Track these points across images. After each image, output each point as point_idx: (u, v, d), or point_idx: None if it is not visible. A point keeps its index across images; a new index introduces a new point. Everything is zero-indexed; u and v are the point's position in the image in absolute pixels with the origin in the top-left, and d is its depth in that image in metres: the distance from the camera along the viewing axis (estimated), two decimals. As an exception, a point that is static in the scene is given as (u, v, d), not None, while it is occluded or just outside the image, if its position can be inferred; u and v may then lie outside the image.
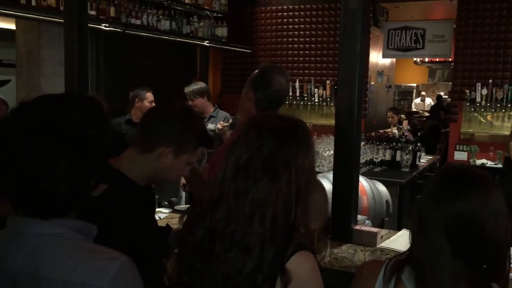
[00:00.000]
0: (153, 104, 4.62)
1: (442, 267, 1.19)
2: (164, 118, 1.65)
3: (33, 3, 4.58)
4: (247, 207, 1.25)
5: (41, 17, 4.72)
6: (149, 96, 4.70)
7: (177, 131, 1.62)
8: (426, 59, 11.67)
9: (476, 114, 6.53)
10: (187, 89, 4.45)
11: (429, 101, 12.44)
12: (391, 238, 2.55)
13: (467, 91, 6.47)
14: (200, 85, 4.54)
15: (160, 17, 5.94)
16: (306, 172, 1.30)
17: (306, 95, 7.48)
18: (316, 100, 7.45)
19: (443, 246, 1.19)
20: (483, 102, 6.40)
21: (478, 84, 6.41)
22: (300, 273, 1.24)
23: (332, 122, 7.44)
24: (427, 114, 11.05)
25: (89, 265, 1.03)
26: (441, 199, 1.23)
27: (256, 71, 2.40)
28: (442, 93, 12.18)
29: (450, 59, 8.11)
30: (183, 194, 3.81)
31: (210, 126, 4.26)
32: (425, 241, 1.23)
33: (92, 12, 4.94)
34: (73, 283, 1.01)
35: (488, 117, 6.47)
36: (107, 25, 5.21)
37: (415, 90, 13.85)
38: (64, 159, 1.02)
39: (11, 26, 5.82)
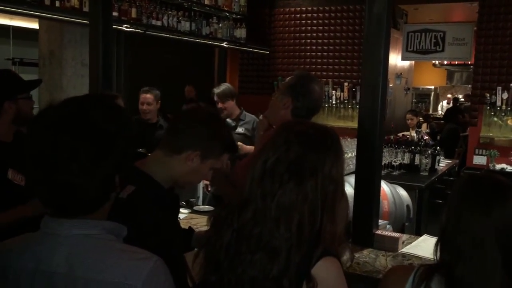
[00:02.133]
0: (145, 106, 4.52)
1: (490, 280, 1.19)
2: (193, 123, 1.67)
3: (57, 4, 4.64)
4: (273, 209, 1.27)
5: (64, 17, 4.79)
6: (141, 97, 4.54)
7: (204, 136, 1.64)
8: (445, 62, 11.56)
9: (496, 119, 6.45)
10: (217, 91, 4.29)
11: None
12: (413, 244, 2.54)
13: (488, 94, 6.40)
14: (229, 86, 4.40)
15: (180, 18, 5.98)
16: (334, 180, 1.31)
17: (324, 96, 7.46)
18: (334, 102, 7.43)
19: (497, 259, 1.19)
20: (504, 106, 6.32)
21: (499, 88, 6.33)
22: (326, 278, 1.25)
23: (349, 124, 7.41)
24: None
25: (122, 265, 1.05)
26: (492, 209, 1.23)
27: (292, 78, 2.47)
28: (460, 96, 12.05)
29: (470, 62, 8.03)
30: (201, 194, 3.84)
31: (240, 129, 4.21)
32: (480, 256, 1.22)
33: (114, 13, 5.00)
34: (107, 282, 1.03)
35: (509, 122, 6.38)
36: (129, 26, 5.26)
37: (433, 93, 13.73)
38: (84, 152, 1.04)
39: (34, 25, 5.92)
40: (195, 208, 3.35)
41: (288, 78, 2.51)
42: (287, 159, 1.29)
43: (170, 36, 5.95)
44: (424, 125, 7.50)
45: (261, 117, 2.68)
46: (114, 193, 1.14)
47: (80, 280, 1.05)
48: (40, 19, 5.21)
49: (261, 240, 1.27)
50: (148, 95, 4.57)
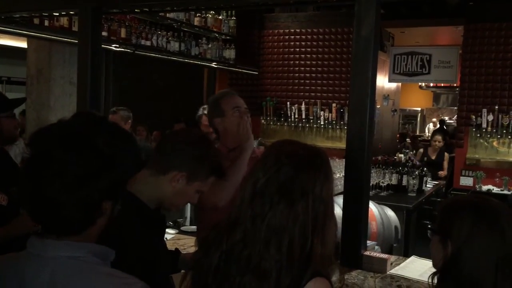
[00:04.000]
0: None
1: None
2: (181, 143, 1.66)
3: (46, 23, 4.65)
4: (263, 231, 1.25)
5: (53, 37, 4.79)
6: (109, 118, 4.21)
7: (192, 157, 1.63)
8: (431, 84, 11.73)
9: (482, 140, 6.53)
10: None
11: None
12: (401, 265, 2.53)
13: (473, 116, 6.49)
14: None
15: (170, 38, 6.01)
16: (323, 201, 1.30)
17: (312, 117, 7.51)
18: (322, 123, 7.47)
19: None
20: (489, 128, 6.41)
21: (484, 110, 6.42)
22: None
23: (337, 144, 7.43)
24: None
25: None
26: (505, 233, 1.25)
27: None
28: (446, 118, 12.20)
29: (455, 85, 8.15)
30: (189, 214, 3.80)
31: None
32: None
33: (104, 33, 5.01)
34: None
35: (494, 143, 6.46)
36: (118, 45, 5.28)
37: (419, 114, 13.89)
38: (73, 170, 1.03)
39: (22, 44, 5.91)
40: (183, 228, 3.32)
41: None
42: (278, 180, 1.28)
43: (159, 56, 5.97)
44: (419, 151, 7.46)
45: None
46: (104, 219, 1.12)
47: None
48: (29, 38, 5.20)
49: (250, 262, 1.25)
50: (115, 116, 4.49)
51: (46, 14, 4.22)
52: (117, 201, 1.13)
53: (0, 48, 7.06)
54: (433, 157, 7.05)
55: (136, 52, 5.54)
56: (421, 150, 7.46)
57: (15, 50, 6.91)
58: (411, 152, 6.90)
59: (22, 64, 5.77)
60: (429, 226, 1.39)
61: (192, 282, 1.37)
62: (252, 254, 1.25)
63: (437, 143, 7.12)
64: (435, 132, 7.84)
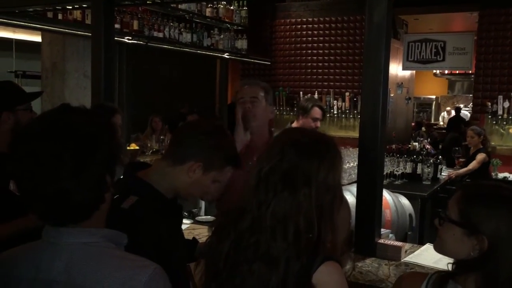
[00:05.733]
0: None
1: None
2: (196, 133, 1.67)
3: (59, 16, 4.69)
4: (268, 218, 1.27)
5: (67, 30, 4.84)
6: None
7: (207, 147, 1.64)
8: (446, 71, 11.59)
9: (497, 127, 6.46)
10: None
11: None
12: (416, 253, 2.53)
13: (489, 103, 6.41)
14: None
15: (182, 30, 6.03)
16: (330, 188, 1.30)
17: (325, 107, 7.48)
18: (335, 112, 7.45)
19: None
20: (505, 115, 6.33)
21: (500, 97, 6.35)
22: (328, 282, 1.25)
23: (351, 134, 7.41)
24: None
25: (120, 272, 1.05)
26: None
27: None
28: (462, 105, 12.07)
29: (470, 72, 8.06)
30: (203, 204, 3.83)
31: None
32: None
33: (116, 26, 5.04)
34: None
35: (510, 130, 6.39)
36: (130, 38, 5.30)
37: (434, 102, 13.74)
38: (69, 157, 1.03)
39: (37, 38, 5.97)
40: (197, 218, 3.35)
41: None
42: (281, 168, 1.29)
43: (172, 47, 5.99)
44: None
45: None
46: (109, 193, 1.14)
47: None
48: (43, 32, 5.25)
49: (258, 249, 1.27)
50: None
51: (60, 7, 4.26)
52: (114, 173, 1.14)
53: (15, 43, 7.15)
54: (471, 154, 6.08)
55: (148, 44, 5.57)
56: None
57: (30, 44, 7.00)
58: (426, 140, 6.83)
59: (37, 58, 5.83)
60: (446, 216, 1.36)
61: (205, 268, 1.40)
62: (260, 242, 1.27)
63: (469, 138, 6.05)
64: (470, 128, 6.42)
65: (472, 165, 5.77)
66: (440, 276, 1.29)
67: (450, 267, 1.34)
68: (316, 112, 3.78)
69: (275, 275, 1.24)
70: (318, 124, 3.84)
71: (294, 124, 3.91)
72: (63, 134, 1.06)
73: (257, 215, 1.29)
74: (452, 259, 1.35)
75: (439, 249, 1.39)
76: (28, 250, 1.13)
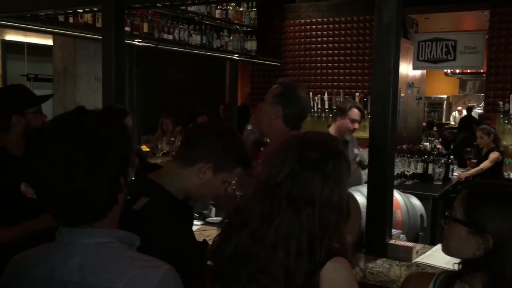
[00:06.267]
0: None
1: None
2: (206, 135, 1.68)
3: (70, 20, 4.73)
4: (271, 235, 1.27)
5: (78, 33, 4.88)
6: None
7: (217, 148, 1.65)
8: (457, 71, 11.50)
9: (509, 126, 6.40)
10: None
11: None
12: (427, 253, 2.52)
13: (501, 102, 6.36)
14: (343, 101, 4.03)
15: (191, 32, 6.05)
16: (335, 207, 1.30)
17: (335, 107, 7.47)
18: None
19: None
20: (517, 114, 6.28)
21: (512, 96, 6.29)
22: (335, 278, 1.25)
23: (361, 134, 7.39)
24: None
25: (133, 273, 1.06)
26: None
27: (277, 86, 2.44)
28: (475, 104, 11.98)
29: (482, 71, 7.99)
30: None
31: (357, 151, 3.86)
32: None
33: (127, 28, 5.07)
34: None
35: (523, 130, 6.33)
36: (141, 40, 5.34)
37: (445, 102, 13.65)
38: (82, 157, 1.05)
39: (48, 42, 6.03)
40: (208, 220, 3.36)
41: (273, 87, 2.46)
42: (287, 185, 1.30)
43: (182, 49, 6.02)
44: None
45: (249, 127, 2.67)
46: (122, 195, 1.15)
47: None
48: (54, 35, 5.30)
49: (259, 261, 1.28)
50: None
51: (71, 11, 4.30)
52: (127, 175, 1.16)
53: (27, 46, 7.23)
54: (483, 154, 5.95)
55: (158, 46, 5.60)
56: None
57: (41, 47, 7.07)
58: (437, 140, 6.77)
59: (49, 62, 5.89)
60: (451, 215, 1.36)
61: (211, 268, 1.42)
62: (260, 255, 1.28)
63: (479, 139, 5.92)
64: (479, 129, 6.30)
65: (484, 164, 5.66)
66: (447, 276, 1.29)
67: (456, 267, 1.34)
68: (355, 113, 3.72)
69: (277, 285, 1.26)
70: (356, 125, 3.77)
71: (332, 126, 3.85)
72: (78, 135, 1.07)
73: (258, 228, 1.30)
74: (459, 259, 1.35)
75: (445, 249, 1.39)
76: (43, 251, 1.15)
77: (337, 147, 1.41)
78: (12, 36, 7.19)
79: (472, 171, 5.77)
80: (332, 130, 3.73)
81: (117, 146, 1.11)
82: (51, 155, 1.05)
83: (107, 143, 1.09)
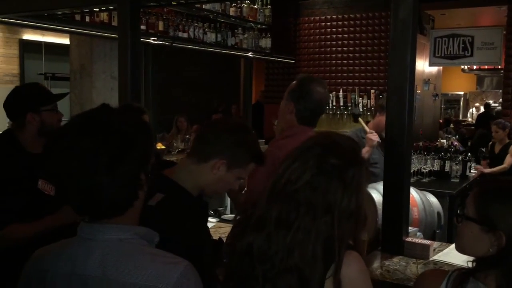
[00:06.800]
0: None
1: None
2: (220, 131, 1.69)
3: (87, 19, 4.77)
4: (287, 240, 1.26)
5: (94, 32, 4.92)
6: None
7: (231, 145, 1.66)
8: (474, 67, 11.35)
9: (528, 123, 6.28)
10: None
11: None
12: (444, 251, 2.49)
13: (519, 99, 6.26)
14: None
15: (206, 30, 6.06)
16: (352, 214, 1.29)
17: (350, 104, 7.43)
18: (361, 110, 7.36)
19: None
20: (536, 111, 6.17)
21: (531, 92, 6.19)
22: (348, 274, 1.25)
23: (377, 131, 7.27)
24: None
25: (153, 269, 1.07)
26: None
27: (294, 82, 2.45)
28: (491, 101, 11.82)
29: (500, 67, 7.87)
30: (229, 203, 3.85)
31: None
32: None
33: (142, 27, 5.10)
34: (138, 285, 1.06)
35: (541, 126, 6.21)
36: (156, 38, 5.36)
37: (462, 99, 13.49)
38: (105, 152, 1.06)
39: (65, 41, 6.10)
40: (223, 217, 3.37)
41: (292, 83, 2.49)
42: (306, 191, 1.27)
43: (196, 47, 6.04)
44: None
45: (276, 123, 2.72)
46: (143, 191, 1.16)
47: (113, 283, 1.08)
48: (71, 34, 5.36)
49: (274, 262, 1.27)
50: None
51: (87, 10, 4.34)
52: (148, 172, 1.16)
53: (44, 45, 7.32)
54: (496, 151, 6.00)
55: (174, 44, 5.62)
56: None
57: (58, 46, 7.15)
58: (454, 137, 6.69)
59: (66, 60, 5.95)
60: (463, 213, 1.34)
61: (226, 264, 1.43)
62: (276, 256, 1.27)
63: (494, 133, 5.94)
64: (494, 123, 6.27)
65: (508, 161, 5.53)
66: (461, 273, 1.28)
67: (470, 265, 1.33)
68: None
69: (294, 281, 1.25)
70: None
71: (371, 122, 3.85)
72: (101, 130, 1.09)
73: (273, 231, 1.28)
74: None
75: (458, 247, 1.38)
76: (64, 246, 1.17)
77: (359, 153, 1.39)
78: (29, 36, 7.29)
79: (496, 169, 5.63)
80: (371, 126, 3.71)
81: (139, 143, 1.12)
82: (73, 147, 1.07)
83: (130, 139, 1.11)
